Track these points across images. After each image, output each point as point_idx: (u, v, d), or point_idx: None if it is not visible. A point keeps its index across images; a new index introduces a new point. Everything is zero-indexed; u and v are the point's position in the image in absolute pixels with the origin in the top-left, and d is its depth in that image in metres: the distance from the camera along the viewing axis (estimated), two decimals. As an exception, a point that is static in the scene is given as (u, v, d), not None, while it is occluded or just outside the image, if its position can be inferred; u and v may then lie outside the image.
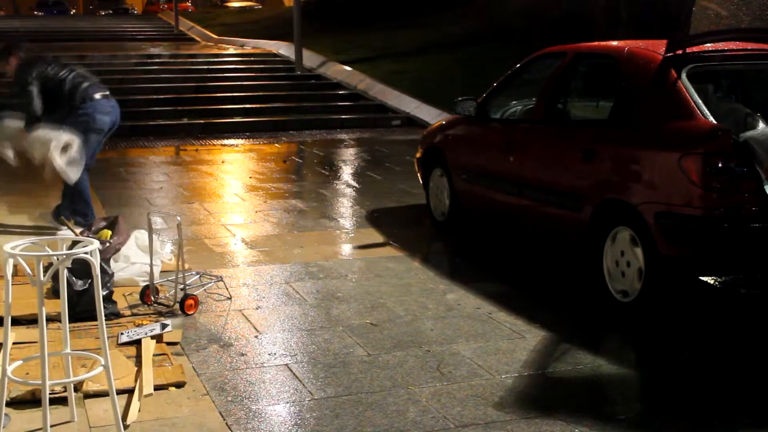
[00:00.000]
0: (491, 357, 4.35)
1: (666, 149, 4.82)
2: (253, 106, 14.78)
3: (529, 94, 6.52)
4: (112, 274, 5.12)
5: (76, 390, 3.74)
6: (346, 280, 5.70)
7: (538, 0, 17.16)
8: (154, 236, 5.20)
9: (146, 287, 5.13)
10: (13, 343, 4.21)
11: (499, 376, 4.12)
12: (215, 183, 9.50)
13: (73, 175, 6.55)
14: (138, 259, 5.54)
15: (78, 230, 5.49)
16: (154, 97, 14.93)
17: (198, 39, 25.24)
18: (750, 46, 5.41)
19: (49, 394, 3.36)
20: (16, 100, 6.60)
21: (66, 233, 5.52)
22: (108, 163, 10.92)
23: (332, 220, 7.60)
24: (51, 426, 3.32)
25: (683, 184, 4.66)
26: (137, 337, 4.46)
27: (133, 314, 4.95)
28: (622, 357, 4.45)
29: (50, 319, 4.33)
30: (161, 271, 5.53)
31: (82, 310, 4.60)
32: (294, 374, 4.14)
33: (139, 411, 3.69)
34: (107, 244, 5.39)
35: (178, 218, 5.15)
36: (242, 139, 13.12)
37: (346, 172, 10.33)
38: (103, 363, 3.39)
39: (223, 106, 14.79)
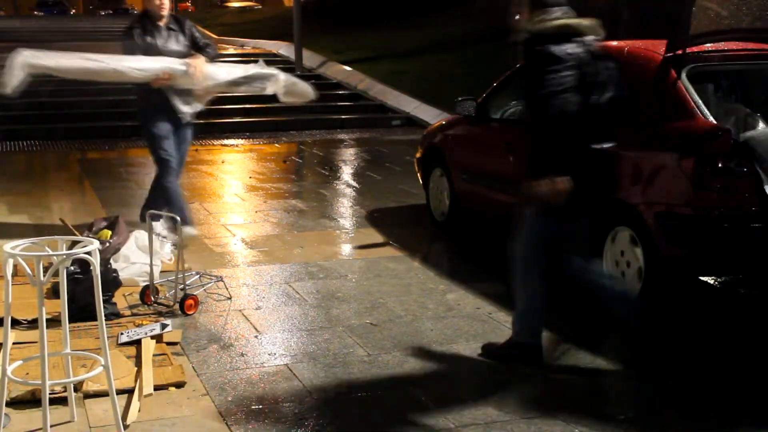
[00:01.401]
0: (491, 357, 4.35)
1: (666, 149, 4.82)
2: (253, 106, 14.76)
3: (529, 94, 6.50)
4: (116, 279, 5.12)
5: (76, 390, 3.74)
6: (346, 280, 5.70)
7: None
8: (153, 236, 5.20)
9: (146, 287, 5.13)
10: (13, 343, 4.21)
11: (499, 376, 4.12)
12: (215, 183, 9.50)
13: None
14: (138, 259, 5.54)
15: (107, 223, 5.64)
16: (154, 97, 14.91)
17: (198, 39, 25.21)
18: (750, 46, 5.41)
19: (49, 394, 3.36)
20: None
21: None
22: (108, 163, 10.94)
23: (332, 220, 7.60)
24: (51, 426, 3.33)
25: (683, 184, 4.66)
26: (137, 337, 4.45)
27: (133, 314, 4.95)
28: (622, 357, 4.45)
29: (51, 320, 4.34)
30: (161, 271, 5.53)
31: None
32: (294, 374, 4.14)
33: (139, 411, 3.69)
34: (107, 244, 5.40)
35: (178, 218, 5.15)
36: (242, 139, 13.13)
37: (346, 172, 10.33)
38: (103, 363, 3.39)
39: (223, 106, 14.78)
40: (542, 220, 4.19)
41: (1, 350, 3.47)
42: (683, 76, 4.97)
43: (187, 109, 6.36)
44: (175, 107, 6.30)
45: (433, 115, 13.60)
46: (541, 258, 4.24)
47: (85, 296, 4.38)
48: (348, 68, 17.58)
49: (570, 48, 4.01)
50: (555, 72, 3.89)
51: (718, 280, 5.60)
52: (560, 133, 3.95)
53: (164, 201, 6.36)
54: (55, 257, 3.27)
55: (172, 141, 6.44)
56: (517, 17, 4.25)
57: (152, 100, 6.35)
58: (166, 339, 4.51)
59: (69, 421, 3.59)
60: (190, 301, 4.97)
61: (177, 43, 6.33)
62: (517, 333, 4.30)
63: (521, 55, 4.22)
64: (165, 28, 6.32)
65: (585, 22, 4.17)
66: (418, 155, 7.71)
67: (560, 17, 4.12)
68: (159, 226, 6.39)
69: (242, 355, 4.40)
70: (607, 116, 4.12)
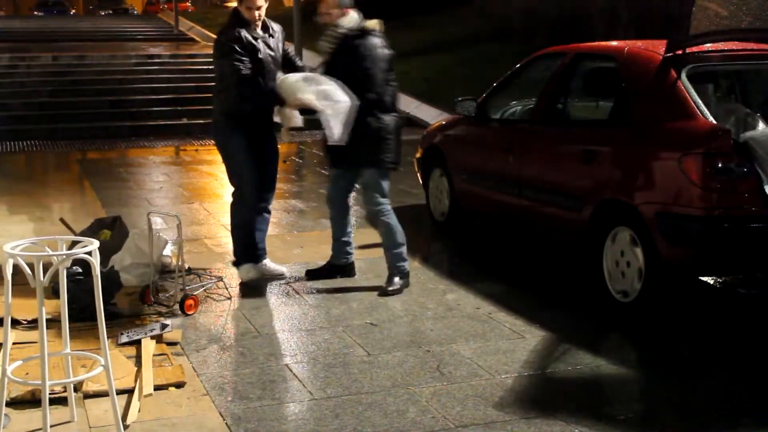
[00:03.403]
0: (491, 357, 4.35)
1: (666, 149, 4.82)
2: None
3: (529, 94, 6.52)
4: (117, 280, 5.12)
5: (76, 390, 3.74)
6: (346, 280, 5.70)
7: (538, 0, 17.16)
8: (154, 236, 5.19)
9: (146, 287, 5.13)
10: (13, 343, 4.21)
11: (499, 376, 4.12)
12: (215, 183, 9.50)
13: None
14: (138, 258, 5.52)
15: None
16: (154, 97, 14.95)
17: (198, 39, 25.23)
18: (750, 46, 5.41)
19: (49, 394, 3.36)
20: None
21: None
22: (108, 163, 10.95)
23: (332, 220, 7.58)
24: (51, 426, 3.33)
25: (683, 184, 4.66)
26: (137, 337, 4.46)
27: (133, 314, 4.95)
28: (622, 357, 4.45)
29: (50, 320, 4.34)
30: (161, 272, 5.52)
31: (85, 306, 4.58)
32: (294, 374, 4.14)
33: (139, 411, 3.69)
34: (107, 245, 5.39)
35: (178, 218, 5.14)
36: (242, 139, 13.09)
37: (346, 172, 10.31)
38: (103, 363, 3.39)
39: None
40: (334, 170, 5.65)
41: (1, 350, 3.47)
42: (683, 76, 4.97)
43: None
44: (285, 125, 5.61)
45: (433, 115, 13.60)
46: (340, 199, 5.70)
47: (85, 297, 4.38)
48: (348, 68, 17.54)
49: (377, 41, 5.27)
50: (368, 58, 5.21)
51: (718, 280, 5.60)
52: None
53: (236, 239, 5.65)
54: (55, 257, 3.26)
55: (257, 173, 5.61)
56: (328, 15, 5.28)
57: (241, 116, 5.52)
58: (166, 339, 4.51)
59: (69, 421, 3.59)
60: (190, 301, 4.97)
61: (276, 52, 5.53)
62: (333, 257, 5.78)
63: (334, 44, 5.29)
64: (266, 34, 5.48)
65: (374, 22, 5.33)
66: (418, 155, 7.71)
67: (360, 19, 5.30)
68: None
69: (242, 355, 4.40)
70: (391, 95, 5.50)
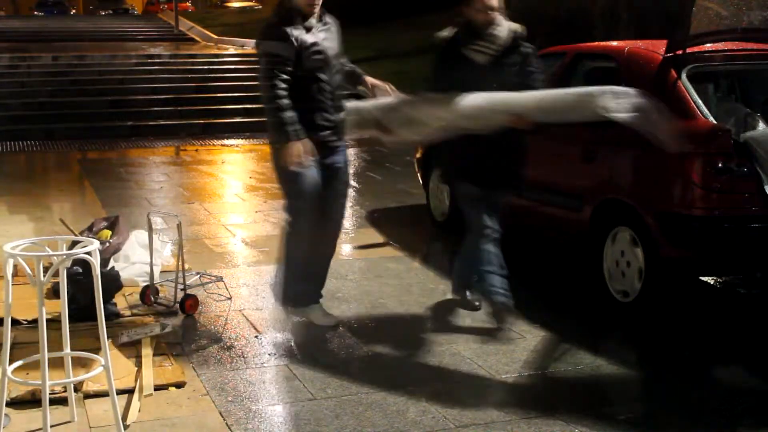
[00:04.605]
0: (491, 357, 4.35)
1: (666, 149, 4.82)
2: (253, 106, 14.74)
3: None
4: (117, 281, 5.12)
5: (76, 390, 3.74)
6: (346, 280, 5.70)
7: (538, 0, 17.16)
8: (154, 236, 5.19)
9: (146, 287, 5.13)
10: (13, 343, 4.21)
11: (499, 376, 4.12)
12: (215, 183, 9.50)
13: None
14: (138, 258, 5.53)
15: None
16: (154, 97, 14.94)
17: (198, 39, 25.22)
18: (750, 46, 5.41)
19: (49, 394, 3.36)
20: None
21: None
22: (108, 163, 10.95)
23: (332, 220, 7.59)
24: (51, 426, 3.33)
25: (683, 184, 4.66)
26: (137, 337, 4.46)
27: (133, 314, 4.95)
28: (622, 357, 4.45)
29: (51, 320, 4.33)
30: (161, 271, 5.52)
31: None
32: (294, 374, 4.14)
33: (139, 411, 3.69)
34: (107, 244, 5.39)
35: (178, 218, 5.14)
36: (242, 139, 13.12)
37: (346, 172, 10.32)
38: (103, 363, 3.39)
39: (223, 106, 14.78)
40: (458, 182, 4.98)
41: (1, 350, 3.47)
42: (683, 76, 4.97)
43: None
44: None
45: (433, 115, 13.57)
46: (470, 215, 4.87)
47: (85, 297, 4.38)
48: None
49: None
50: (539, 64, 4.94)
51: (718, 280, 5.60)
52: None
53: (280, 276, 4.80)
54: (55, 257, 3.26)
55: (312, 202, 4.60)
56: (501, 10, 4.96)
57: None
58: (166, 339, 4.51)
59: (69, 421, 3.59)
60: (190, 301, 4.97)
61: (334, 43, 4.75)
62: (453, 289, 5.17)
63: (500, 45, 4.87)
64: (321, 24, 4.65)
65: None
66: (418, 155, 7.70)
67: None
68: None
69: (242, 355, 4.40)
70: None
